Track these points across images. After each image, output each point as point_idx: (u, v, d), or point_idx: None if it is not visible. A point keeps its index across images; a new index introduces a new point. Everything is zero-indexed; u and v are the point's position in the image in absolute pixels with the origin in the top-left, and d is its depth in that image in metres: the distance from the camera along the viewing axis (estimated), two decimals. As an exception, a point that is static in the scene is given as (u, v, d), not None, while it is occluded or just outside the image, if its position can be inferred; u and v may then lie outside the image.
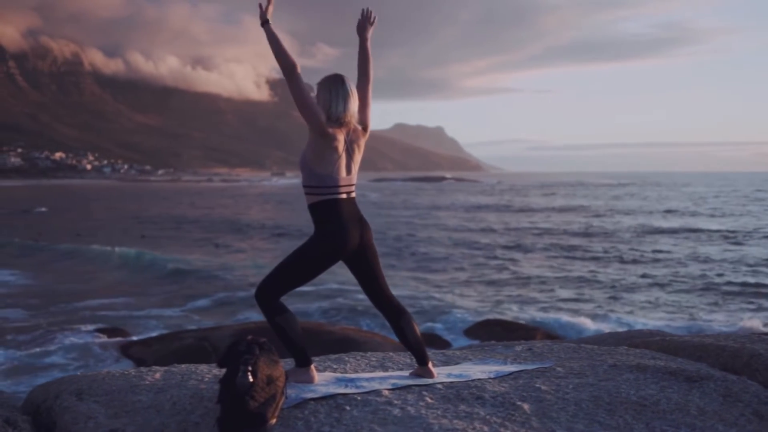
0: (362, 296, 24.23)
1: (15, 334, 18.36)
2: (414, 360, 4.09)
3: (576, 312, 21.08)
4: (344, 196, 3.65)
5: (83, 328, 18.75)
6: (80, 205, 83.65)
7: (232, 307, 21.97)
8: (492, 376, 3.88)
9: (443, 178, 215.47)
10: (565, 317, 20.24)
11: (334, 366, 4.16)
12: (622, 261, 31.37)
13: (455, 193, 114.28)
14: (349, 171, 3.68)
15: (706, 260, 31.07)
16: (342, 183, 3.64)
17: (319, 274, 3.69)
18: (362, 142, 3.76)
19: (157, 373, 4.04)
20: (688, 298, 23.19)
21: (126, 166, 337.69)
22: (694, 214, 58.72)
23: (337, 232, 3.60)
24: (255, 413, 3.01)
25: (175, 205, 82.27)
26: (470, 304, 22.35)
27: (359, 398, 3.38)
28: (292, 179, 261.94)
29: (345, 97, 3.62)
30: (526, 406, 3.28)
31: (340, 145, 3.63)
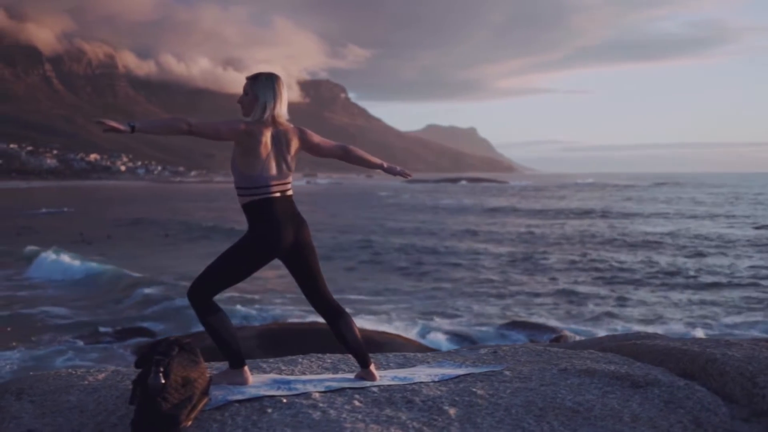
0: (384, 296, 24.39)
1: (54, 333, 18.58)
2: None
3: (608, 315, 20.88)
4: (277, 194, 3.59)
5: (101, 329, 18.87)
6: (103, 206, 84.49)
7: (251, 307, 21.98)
8: (437, 379, 3.80)
9: (459, 180, 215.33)
10: (588, 320, 20.08)
11: (283, 367, 4.10)
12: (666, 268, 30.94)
13: (473, 195, 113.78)
14: (279, 169, 3.61)
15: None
16: (273, 182, 3.57)
17: (252, 273, 3.63)
18: (296, 140, 3.68)
19: (102, 374, 4.01)
20: (719, 300, 22.78)
21: (159, 168, 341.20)
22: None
23: (269, 231, 3.54)
24: (167, 414, 2.95)
25: (200, 207, 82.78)
26: (491, 307, 22.19)
27: (285, 401, 3.32)
28: (324, 180, 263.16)
29: (274, 97, 3.58)
30: (452, 411, 3.19)
31: (266, 144, 3.56)
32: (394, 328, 18.45)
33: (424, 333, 18.34)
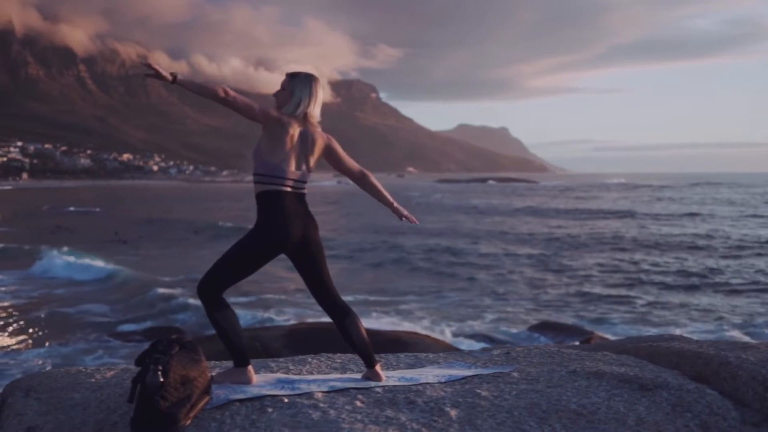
0: (415, 295, 24.35)
1: (87, 331, 18.77)
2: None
3: (640, 316, 20.69)
4: (289, 189, 3.59)
5: (132, 327, 19.02)
6: (133, 206, 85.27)
7: (281, 307, 22.02)
8: (443, 380, 3.76)
9: (487, 180, 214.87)
10: (619, 321, 19.91)
11: (291, 367, 4.09)
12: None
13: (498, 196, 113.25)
14: (299, 167, 3.63)
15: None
16: (290, 176, 3.58)
17: (260, 267, 3.62)
18: (321, 145, 3.71)
19: (111, 371, 4.03)
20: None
21: (191, 167, 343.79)
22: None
23: (276, 224, 3.53)
24: (165, 413, 2.95)
25: (230, 207, 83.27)
26: (522, 308, 22.06)
27: (287, 400, 3.30)
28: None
29: (310, 96, 3.64)
30: (453, 413, 3.15)
31: (293, 138, 3.59)
32: (423, 328, 18.43)
33: (453, 333, 18.31)
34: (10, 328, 18.72)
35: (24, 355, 16.27)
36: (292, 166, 3.60)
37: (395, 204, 3.88)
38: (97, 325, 19.64)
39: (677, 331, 17.32)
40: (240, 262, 3.57)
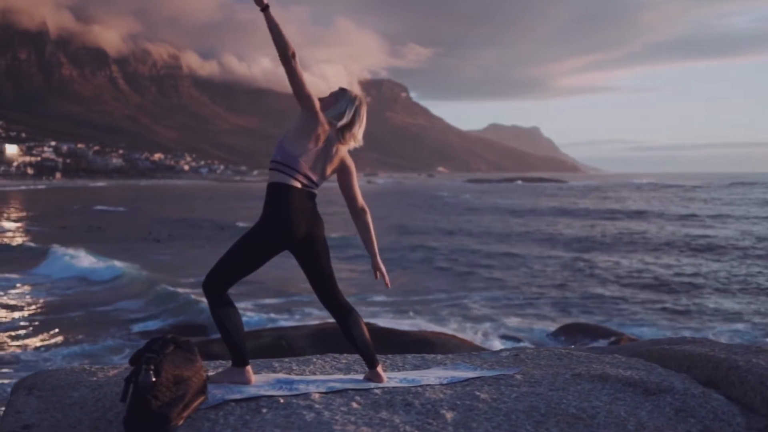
0: (443, 296, 24.27)
1: (117, 329, 18.95)
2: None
3: (671, 318, 20.48)
4: (299, 185, 3.57)
5: (161, 325, 19.13)
6: (160, 205, 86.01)
7: (307, 307, 22.05)
8: (445, 382, 3.71)
9: (513, 180, 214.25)
10: (650, 323, 19.72)
11: (295, 367, 4.07)
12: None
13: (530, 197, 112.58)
14: (315, 168, 3.62)
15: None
16: (303, 170, 3.58)
17: (264, 262, 3.61)
18: (341, 158, 3.71)
19: (115, 370, 4.03)
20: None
21: (222, 167, 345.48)
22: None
23: (281, 219, 3.52)
24: (157, 413, 2.93)
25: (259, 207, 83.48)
26: (551, 309, 21.91)
27: (282, 401, 3.28)
28: (381, 180, 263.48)
29: (351, 111, 3.67)
30: (449, 415, 3.10)
31: (320, 139, 3.60)
32: (450, 328, 18.38)
33: (481, 334, 18.23)
34: (44, 326, 18.87)
35: (53, 353, 16.41)
36: (309, 163, 3.59)
37: (378, 257, 3.81)
38: (128, 322, 19.80)
39: (710, 334, 17.12)
40: (243, 256, 3.55)
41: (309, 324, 18.12)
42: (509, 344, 16.15)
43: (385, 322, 18.24)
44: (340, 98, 3.68)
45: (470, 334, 17.94)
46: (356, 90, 3.77)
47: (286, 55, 3.49)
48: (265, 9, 3.47)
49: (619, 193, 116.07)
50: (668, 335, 17.56)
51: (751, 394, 3.49)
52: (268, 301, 22.18)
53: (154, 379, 2.95)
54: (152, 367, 2.97)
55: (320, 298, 3.76)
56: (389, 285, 3.85)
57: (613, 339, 16.30)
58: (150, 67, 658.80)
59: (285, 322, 19.28)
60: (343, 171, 3.74)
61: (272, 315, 20.43)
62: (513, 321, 20.02)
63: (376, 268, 3.81)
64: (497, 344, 16.68)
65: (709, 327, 19.37)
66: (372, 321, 18.21)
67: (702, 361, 4.02)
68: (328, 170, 3.66)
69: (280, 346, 15.33)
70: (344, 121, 3.63)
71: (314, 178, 3.62)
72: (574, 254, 34.78)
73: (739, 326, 19.46)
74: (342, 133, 3.65)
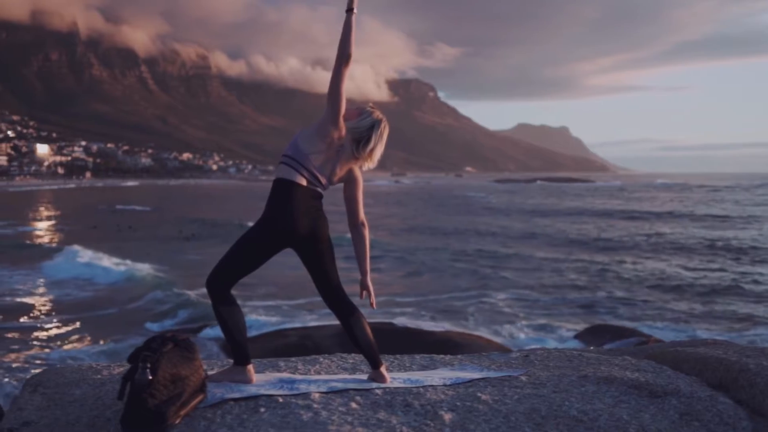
0: (468, 296, 24.19)
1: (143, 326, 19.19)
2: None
3: (696, 320, 20.28)
4: (304, 182, 3.56)
5: (187, 324, 19.24)
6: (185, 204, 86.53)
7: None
8: (448, 383, 3.68)
9: (533, 180, 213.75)
10: (677, 324, 19.56)
11: (300, 367, 4.05)
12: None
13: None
14: (323, 169, 3.61)
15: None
16: (310, 168, 3.57)
17: (266, 259, 3.59)
18: (349, 168, 3.72)
19: (120, 368, 4.03)
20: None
21: (250, 167, 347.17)
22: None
23: (282, 215, 3.51)
24: (153, 411, 2.93)
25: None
26: (578, 310, 21.76)
27: (281, 400, 3.26)
28: (408, 180, 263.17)
29: (380, 139, 3.68)
30: (447, 417, 3.06)
31: (334, 143, 3.61)
32: (476, 329, 18.35)
33: (506, 334, 18.18)
34: (74, 325, 19.09)
35: (82, 352, 16.58)
36: (318, 162, 3.58)
37: (368, 276, 3.79)
38: (157, 320, 19.95)
39: (734, 338, 16.89)
40: (245, 253, 3.55)
41: (334, 323, 18.14)
42: (535, 345, 16.06)
43: (410, 322, 18.27)
44: (365, 115, 3.67)
45: (496, 334, 17.90)
46: (379, 112, 3.74)
47: (343, 55, 3.56)
48: (349, 11, 3.57)
49: (645, 193, 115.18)
50: (698, 338, 17.38)
51: (760, 397, 3.42)
52: (292, 301, 22.22)
53: (150, 377, 2.94)
54: (149, 365, 2.96)
55: (322, 296, 3.75)
56: (375, 306, 3.79)
57: (636, 340, 16.17)
58: (179, 67, 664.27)
59: (310, 322, 19.34)
60: (350, 181, 3.74)
61: (299, 315, 20.48)
62: (539, 322, 19.95)
63: (364, 287, 3.78)
64: (522, 345, 16.59)
65: (735, 330, 19.15)
66: (397, 321, 18.25)
67: (713, 364, 3.94)
68: (336, 175, 3.66)
69: (305, 345, 15.40)
70: (371, 145, 3.63)
71: (321, 178, 3.60)
72: (601, 256, 34.56)
73: (763, 331, 19.21)
74: (359, 150, 3.65)
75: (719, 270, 29.33)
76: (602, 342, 16.55)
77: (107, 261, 29.57)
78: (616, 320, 20.09)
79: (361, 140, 3.63)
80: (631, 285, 26.15)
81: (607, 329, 18.21)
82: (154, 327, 19.13)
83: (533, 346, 15.43)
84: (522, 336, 18.18)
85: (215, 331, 17.10)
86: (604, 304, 22.78)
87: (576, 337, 18.10)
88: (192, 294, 22.53)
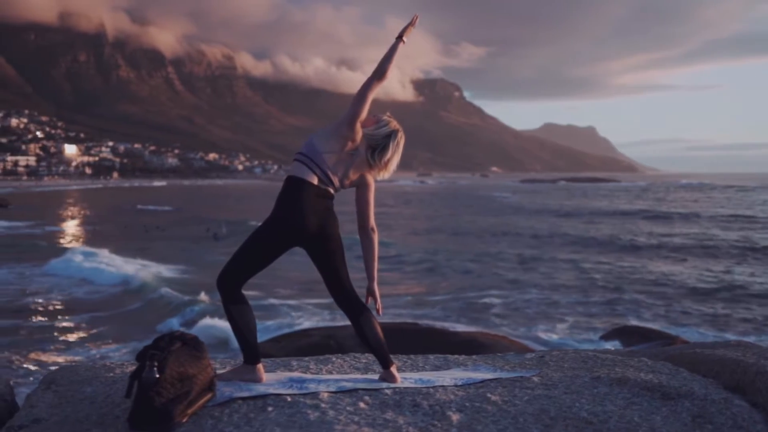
0: (491, 294, 24.10)
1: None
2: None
3: (726, 321, 20.08)
4: (316, 181, 3.56)
5: (207, 322, 19.31)
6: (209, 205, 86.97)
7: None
8: (460, 383, 3.65)
9: (557, 180, 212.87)
10: (705, 326, 19.39)
11: (312, 366, 4.05)
12: None
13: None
14: (336, 170, 3.62)
15: None
16: (324, 168, 3.58)
17: (275, 257, 3.60)
18: (362, 173, 3.72)
19: (133, 366, 4.04)
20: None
21: (276, 167, 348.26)
22: None
23: (291, 213, 3.51)
24: (160, 410, 2.93)
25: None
26: (604, 311, 21.60)
27: (289, 399, 3.26)
28: (433, 181, 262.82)
29: (397, 150, 3.73)
30: (455, 417, 3.04)
31: (350, 146, 3.63)
32: (501, 329, 18.28)
33: (532, 335, 18.10)
34: (102, 324, 19.22)
35: (106, 351, 16.69)
36: (332, 162, 3.59)
37: (375, 281, 3.78)
38: (173, 317, 20.06)
39: (758, 340, 16.69)
40: (255, 251, 3.56)
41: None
42: (559, 346, 15.96)
43: (434, 322, 18.23)
44: (381, 124, 3.70)
45: (522, 336, 17.81)
46: (395, 123, 3.76)
47: (380, 71, 3.63)
48: (399, 38, 3.70)
49: (671, 193, 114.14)
50: (713, 339, 17.20)
51: (776, 400, 3.36)
52: (315, 300, 22.23)
53: (157, 376, 2.95)
54: (156, 364, 2.97)
55: (332, 295, 3.75)
56: (381, 311, 3.76)
57: (663, 342, 16.01)
58: (205, 67, 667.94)
59: (334, 322, 19.36)
60: (362, 186, 3.74)
61: (323, 315, 20.51)
62: (565, 323, 19.81)
63: (370, 292, 3.77)
64: (547, 346, 16.50)
65: (766, 332, 18.91)
66: (421, 321, 18.22)
67: (731, 366, 3.89)
68: (348, 179, 3.67)
69: (328, 345, 15.40)
70: (388, 155, 3.66)
71: (333, 178, 3.60)
72: (626, 256, 34.29)
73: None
74: (374, 157, 3.66)
75: (748, 273, 29.00)
76: (629, 344, 16.42)
77: (128, 262, 29.73)
78: (642, 322, 19.90)
79: (376, 148, 3.65)
80: (658, 286, 25.89)
81: (633, 331, 18.04)
82: (174, 323, 19.22)
83: (546, 348, 15.38)
84: (546, 337, 18.07)
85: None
86: (630, 305, 22.57)
87: (602, 338, 17.98)
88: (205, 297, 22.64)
